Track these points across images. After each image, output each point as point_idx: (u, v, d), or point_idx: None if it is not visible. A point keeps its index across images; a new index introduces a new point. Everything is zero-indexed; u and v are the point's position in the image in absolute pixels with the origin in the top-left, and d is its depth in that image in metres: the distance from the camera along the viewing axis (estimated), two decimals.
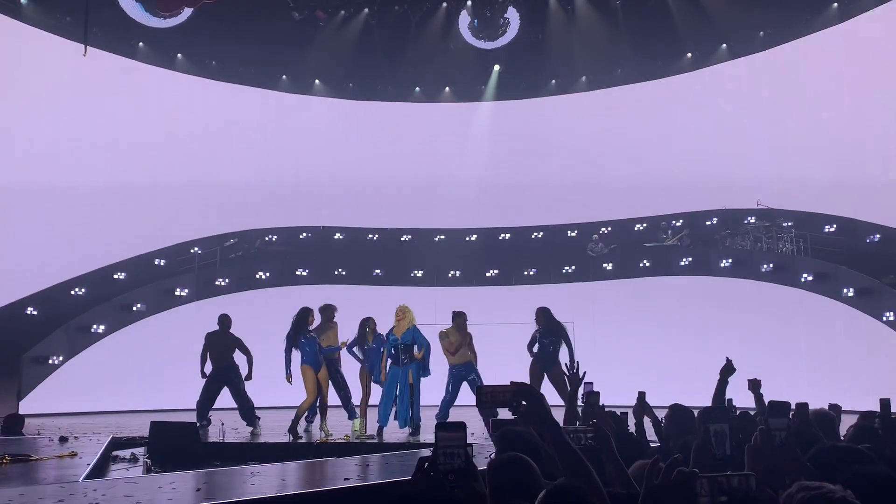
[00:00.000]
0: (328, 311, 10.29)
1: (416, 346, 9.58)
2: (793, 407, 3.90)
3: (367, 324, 9.97)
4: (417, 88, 19.32)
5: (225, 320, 10.45)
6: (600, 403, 4.05)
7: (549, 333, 9.76)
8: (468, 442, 1.99)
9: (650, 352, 14.26)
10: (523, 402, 2.18)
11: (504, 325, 15.18)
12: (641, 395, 4.88)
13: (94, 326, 14.28)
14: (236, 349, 10.21)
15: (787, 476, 2.05)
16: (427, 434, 9.34)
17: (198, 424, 9.34)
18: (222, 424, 9.44)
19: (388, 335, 9.73)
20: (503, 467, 2.47)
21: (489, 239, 18.34)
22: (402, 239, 18.32)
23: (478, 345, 12.24)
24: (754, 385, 5.45)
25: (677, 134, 17.42)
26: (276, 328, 15.31)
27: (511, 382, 2.19)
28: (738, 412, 5.05)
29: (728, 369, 4.77)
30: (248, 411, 9.93)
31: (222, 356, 10.18)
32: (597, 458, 2.99)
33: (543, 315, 9.89)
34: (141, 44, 17.01)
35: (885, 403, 3.98)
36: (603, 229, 17.49)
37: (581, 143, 18.18)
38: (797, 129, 15.96)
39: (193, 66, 17.63)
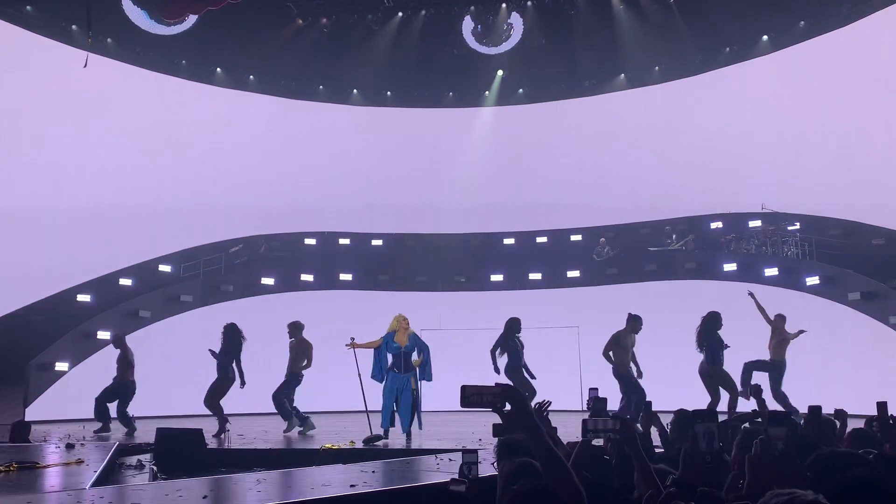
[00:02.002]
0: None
1: (415, 353, 9.69)
2: (804, 411, 3.90)
3: (514, 325, 10.08)
4: (421, 94, 19.37)
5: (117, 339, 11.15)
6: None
7: None
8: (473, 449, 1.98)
9: (655, 356, 14.20)
10: (507, 405, 2.18)
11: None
12: (648, 405, 4.88)
13: (100, 333, 14.31)
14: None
15: (786, 485, 2.04)
16: (427, 441, 9.36)
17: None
18: (228, 430, 9.46)
19: (388, 342, 9.73)
20: (516, 473, 2.50)
21: (493, 244, 18.35)
22: (407, 244, 18.35)
23: (481, 350, 12.23)
24: (756, 391, 5.50)
25: (682, 138, 17.41)
26: (279, 334, 15.37)
27: (496, 384, 2.20)
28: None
29: (757, 391, 5.28)
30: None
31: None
32: (612, 457, 2.99)
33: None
34: (145, 51, 17.10)
35: (881, 406, 3.98)
36: (607, 234, 17.49)
37: (585, 147, 18.20)
38: (802, 132, 15.94)
39: (198, 73, 17.72)
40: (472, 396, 2.16)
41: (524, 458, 2.52)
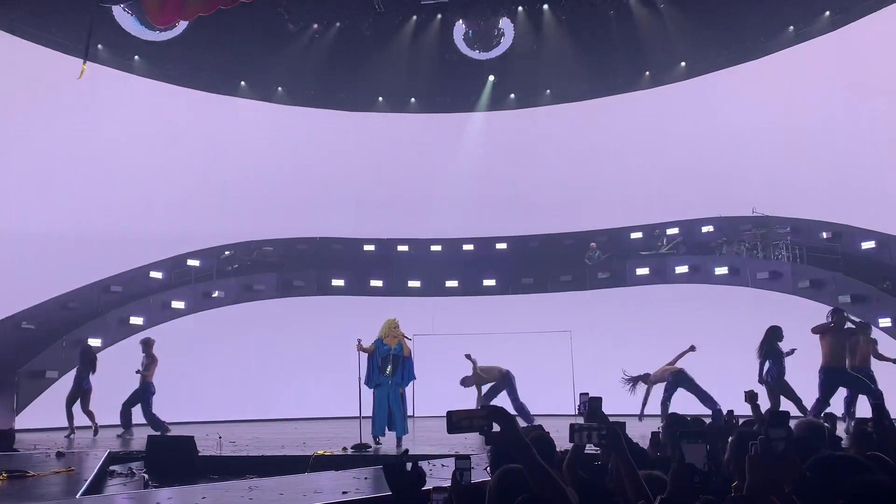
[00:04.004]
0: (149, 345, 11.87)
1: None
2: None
3: (777, 333, 9.77)
4: (413, 99, 19.39)
5: None
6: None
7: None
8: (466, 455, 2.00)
9: (648, 360, 14.24)
10: (494, 426, 2.22)
11: (502, 334, 15.18)
12: (655, 437, 4.79)
13: (91, 340, 14.22)
14: None
15: (785, 485, 2.05)
16: (420, 447, 9.35)
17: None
18: (219, 437, 9.41)
19: (378, 346, 9.64)
20: (502, 483, 2.51)
21: (486, 248, 18.38)
22: (399, 249, 18.35)
23: (476, 355, 12.18)
24: (751, 397, 5.48)
25: (673, 142, 17.49)
26: (271, 340, 15.33)
27: (482, 406, 2.24)
28: (739, 422, 5.04)
29: (752, 397, 5.41)
30: None
31: None
32: (606, 462, 3.00)
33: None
34: (136, 57, 17.06)
35: (877, 408, 3.96)
36: (599, 239, 17.55)
37: (576, 152, 18.25)
38: (792, 136, 16.04)
39: (188, 79, 17.68)
40: (461, 421, 2.19)
41: (509, 466, 2.54)
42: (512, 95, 19.36)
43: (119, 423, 11.51)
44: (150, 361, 11.65)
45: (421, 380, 14.93)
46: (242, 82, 18.34)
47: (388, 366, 9.51)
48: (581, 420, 3.10)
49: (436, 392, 14.53)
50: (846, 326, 9.42)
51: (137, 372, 11.55)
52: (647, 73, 18.28)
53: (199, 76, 17.86)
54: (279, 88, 18.69)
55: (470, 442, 8.81)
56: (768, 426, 2.20)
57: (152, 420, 11.31)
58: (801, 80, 16.09)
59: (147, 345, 11.85)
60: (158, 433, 10.56)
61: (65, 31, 15.69)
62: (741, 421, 5.08)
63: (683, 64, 17.85)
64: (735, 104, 16.94)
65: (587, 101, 18.72)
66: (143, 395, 11.44)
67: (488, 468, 2.95)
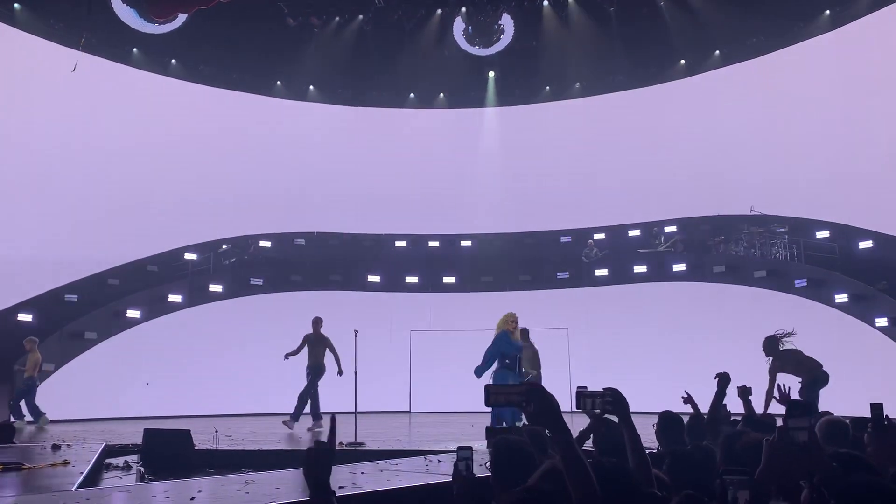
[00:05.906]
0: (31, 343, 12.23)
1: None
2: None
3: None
4: (412, 95, 19.36)
5: None
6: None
7: None
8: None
9: (644, 357, 14.28)
10: (532, 403, 2.12)
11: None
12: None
13: (87, 333, 14.21)
14: None
15: (812, 475, 2.00)
16: (417, 442, 9.34)
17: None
18: (216, 431, 9.41)
19: (507, 342, 9.20)
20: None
21: (483, 245, 18.37)
22: (397, 245, 18.33)
23: (473, 351, 12.15)
24: (743, 392, 5.44)
25: (671, 140, 17.49)
26: (269, 335, 15.27)
27: (522, 382, 2.16)
28: (731, 418, 5.03)
29: (724, 380, 4.94)
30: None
31: None
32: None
33: None
34: (135, 50, 17.01)
35: (876, 408, 3.95)
36: (597, 235, 17.56)
37: (575, 149, 18.25)
38: (790, 134, 16.05)
39: (187, 72, 17.64)
40: (496, 395, 2.13)
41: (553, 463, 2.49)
42: (512, 92, 19.32)
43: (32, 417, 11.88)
44: (35, 358, 12.16)
45: (417, 375, 15.00)
46: (240, 76, 18.29)
47: (517, 363, 9.03)
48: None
49: (433, 388, 14.56)
50: (784, 349, 8.66)
51: (17, 368, 12.13)
52: (648, 70, 18.27)
53: (198, 69, 17.81)
54: (278, 83, 18.66)
55: (467, 437, 8.82)
56: (787, 416, 2.17)
57: (33, 410, 11.78)
58: (799, 78, 16.09)
59: (33, 342, 12.32)
60: (35, 422, 11.52)
61: (65, 22, 15.64)
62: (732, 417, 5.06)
63: (683, 62, 17.86)
64: (734, 102, 16.95)
65: (586, 97, 18.71)
66: (26, 389, 11.94)
67: (488, 464, 2.92)
